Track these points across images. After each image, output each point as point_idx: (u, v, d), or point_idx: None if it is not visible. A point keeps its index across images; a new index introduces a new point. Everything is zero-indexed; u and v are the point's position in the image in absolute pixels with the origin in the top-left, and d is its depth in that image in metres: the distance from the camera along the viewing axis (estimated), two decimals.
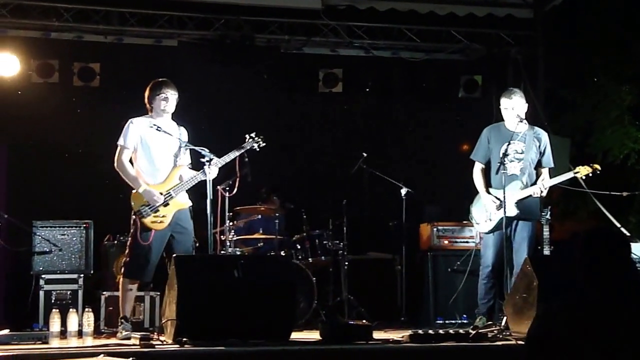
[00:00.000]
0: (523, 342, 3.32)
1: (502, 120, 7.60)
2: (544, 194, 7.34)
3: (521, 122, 7.37)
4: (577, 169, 7.33)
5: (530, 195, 7.30)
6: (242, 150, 7.11)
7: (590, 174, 7.32)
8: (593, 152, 9.88)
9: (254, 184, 7.79)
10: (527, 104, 7.53)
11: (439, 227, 9.15)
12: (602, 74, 9.93)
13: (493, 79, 10.56)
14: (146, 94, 6.98)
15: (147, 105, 6.99)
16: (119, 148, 6.91)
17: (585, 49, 10.00)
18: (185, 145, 7.02)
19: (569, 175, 7.34)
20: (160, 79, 7.00)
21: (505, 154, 7.21)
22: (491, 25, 10.37)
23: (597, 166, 7.36)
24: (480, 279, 7.55)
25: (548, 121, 9.79)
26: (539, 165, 7.51)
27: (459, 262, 8.65)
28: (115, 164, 6.90)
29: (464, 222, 8.74)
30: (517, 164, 7.38)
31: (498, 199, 7.36)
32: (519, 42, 10.45)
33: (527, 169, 7.41)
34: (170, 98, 6.94)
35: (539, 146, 7.47)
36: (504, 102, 7.46)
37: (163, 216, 6.83)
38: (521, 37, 10.46)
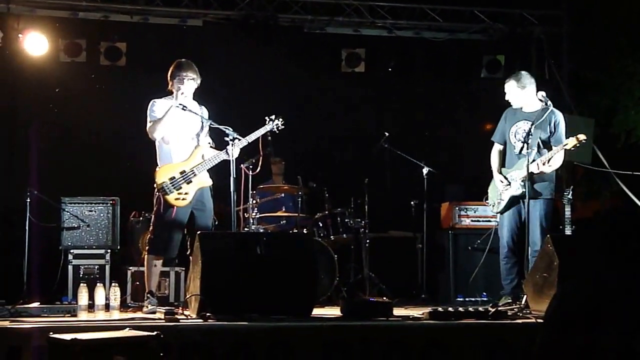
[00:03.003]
0: (542, 321, 3.35)
1: None
2: (544, 170, 7.26)
3: (542, 103, 7.38)
4: (565, 142, 7.28)
5: (532, 173, 7.29)
6: (263, 132, 7.15)
7: (578, 144, 7.22)
8: (617, 132, 9.86)
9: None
10: (524, 87, 7.52)
11: (460, 206, 9.19)
12: (627, 54, 9.89)
13: (516, 59, 10.43)
14: (168, 73, 7.05)
15: (168, 81, 7.06)
16: (149, 124, 6.97)
17: (610, 28, 9.95)
18: (210, 124, 7.08)
19: (558, 148, 7.25)
20: (181, 61, 7.05)
21: (529, 134, 7.24)
22: (515, 5, 10.32)
23: (583, 136, 7.28)
24: (500, 259, 7.60)
25: (572, 101, 9.79)
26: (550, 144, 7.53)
27: (479, 241, 8.66)
28: (151, 137, 6.98)
29: (485, 201, 8.79)
30: (527, 143, 7.41)
31: (506, 178, 7.43)
32: (542, 22, 10.39)
33: (535, 148, 7.43)
34: (185, 81, 6.98)
35: (550, 125, 7.48)
36: (514, 81, 7.55)
37: (186, 193, 6.91)
38: (545, 17, 10.40)
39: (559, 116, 7.51)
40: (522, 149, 7.38)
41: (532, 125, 7.26)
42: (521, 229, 7.30)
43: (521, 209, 7.29)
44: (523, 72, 7.68)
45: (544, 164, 7.26)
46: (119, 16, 9.70)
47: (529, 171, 7.20)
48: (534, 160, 7.25)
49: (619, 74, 9.96)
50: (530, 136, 7.22)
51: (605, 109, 10.08)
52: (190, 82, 7.02)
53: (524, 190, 7.27)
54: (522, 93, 7.52)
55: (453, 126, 10.59)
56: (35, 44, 9.09)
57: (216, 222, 7.24)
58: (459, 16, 10.33)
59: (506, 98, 7.56)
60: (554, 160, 7.29)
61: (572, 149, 7.25)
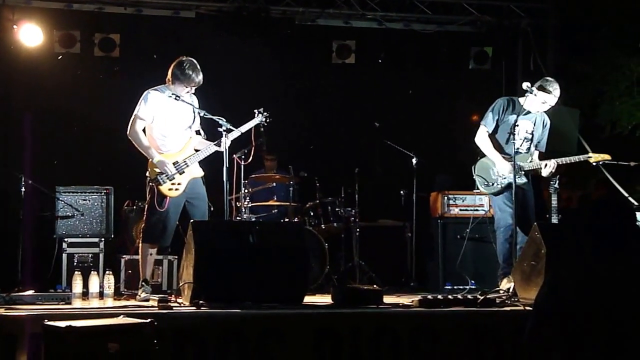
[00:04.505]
0: (530, 308, 3.41)
1: (515, 94, 7.75)
2: (552, 170, 7.41)
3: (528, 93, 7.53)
4: (590, 154, 7.46)
5: (539, 169, 7.46)
6: (252, 125, 7.19)
7: (601, 163, 7.50)
8: (602, 123, 9.93)
9: None
10: None
11: (449, 196, 9.21)
12: (612, 45, 9.93)
13: (503, 51, 10.62)
14: (173, 69, 6.97)
15: (169, 77, 7.01)
16: (133, 117, 6.99)
17: (595, 20, 10.02)
18: (204, 114, 7.10)
19: (581, 157, 7.46)
20: (191, 65, 6.93)
21: (515, 125, 7.36)
22: None
23: (609, 157, 7.49)
24: (503, 239, 7.59)
25: None
26: (534, 147, 7.71)
27: (467, 230, 8.72)
28: (128, 132, 6.98)
29: (474, 190, 8.87)
30: (525, 143, 7.58)
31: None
32: (529, 14, 10.47)
33: (533, 147, 7.64)
34: (193, 88, 7.02)
35: (542, 131, 7.67)
36: (546, 98, 7.49)
37: (178, 184, 6.96)
38: (532, 9, 10.48)
39: (549, 123, 7.73)
40: (528, 148, 7.60)
41: (516, 118, 7.41)
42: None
43: (511, 196, 7.39)
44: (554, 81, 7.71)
45: (556, 164, 7.42)
46: (113, 8, 9.73)
47: (544, 166, 7.42)
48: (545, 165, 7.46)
49: (605, 65, 10.01)
50: (517, 127, 7.37)
51: (591, 99, 10.14)
52: (194, 89, 7.07)
53: (526, 180, 7.51)
54: None
55: (442, 116, 10.63)
56: (30, 35, 9.11)
57: (212, 209, 7.26)
58: (447, 8, 10.39)
59: (543, 106, 7.58)
60: (561, 161, 7.48)
61: (594, 164, 7.45)
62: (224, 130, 6.96)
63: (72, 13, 9.68)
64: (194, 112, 7.15)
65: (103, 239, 8.44)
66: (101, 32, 9.82)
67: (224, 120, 7.00)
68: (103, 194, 8.54)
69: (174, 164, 6.99)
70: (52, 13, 9.58)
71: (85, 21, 9.77)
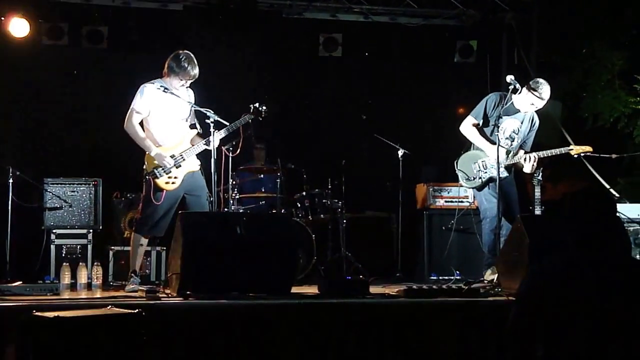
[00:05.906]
0: (514, 298, 3.46)
1: (499, 87, 7.81)
2: (533, 163, 7.45)
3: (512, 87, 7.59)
4: (572, 146, 7.55)
5: (518, 163, 7.54)
6: (248, 120, 7.19)
7: (582, 154, 7.57)
8: (584, 116, 10.02)
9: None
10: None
11: (435, 187, 9.29)
12: (595, 39, 10.01)
13: (488, 45, 10.69)
14: (169, 62, 6.97)
15: (165, 70, 7.01)
16: (130, 111, 6.97)
17: (578, 14, 10.08)
18: (192, 106, 7.12)
19: (562, 150, 7.54)
20: (189, 62, 6.93)
21: (499, 117, 7.44)
22: None
23: (590, 148, 7.58)
24: (488, 230, 7.65)
25: None
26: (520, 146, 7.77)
27: (452, 221, 8.79)
28: (125, 126, 6.97)
29: (459, 182, 8.95)
30: (510, 142, 7.65)
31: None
32: (513, 8, 10.53)
33: (518, 145, 7.71)
34: (189, 82, 7.03)
35: (530, 131, 7.73)
36: (534, 100, 7.51)
37: (175, 177, 6.98)
38: (516, 3, 10.52)
39: (538, 123, 7.77)
40: (512, 147, 7.65)
41: (521, 125, 7.54)
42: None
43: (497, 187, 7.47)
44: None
45: (536, 157, 7.48)
46: (101, 0, 9.73)
47: (526, 159, 7.46)
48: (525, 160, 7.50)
49: (587, 59, 10.09)
50: (500, 119, 7.46)
51: (573, 92, 10.21)
52: (189, 83, 7.07)
53: (507, 174, 7.58)
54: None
55: (427, 109, 10.70)
56: (17, 27, 9.10)
57: (211, 199, 7.23)
58: (433, 2, 10.42)
59: (530, 107, 7.61)
60: (542, 154, 7.54)
61: (576, 156, 7.51)
62: (212, 122, 6.94)
63: (60, 5, 9.65)
64: (189, 105, 7.14)
65: (91, 231, 8.43)
66: (89, 24, 9.77)
67: (212, 112, 6.98)
68: (91, 185, 8.53)
69: (171, 157, 7.00)
70: (40, 5, 9.54)
71: (73, 13, 9.74)
